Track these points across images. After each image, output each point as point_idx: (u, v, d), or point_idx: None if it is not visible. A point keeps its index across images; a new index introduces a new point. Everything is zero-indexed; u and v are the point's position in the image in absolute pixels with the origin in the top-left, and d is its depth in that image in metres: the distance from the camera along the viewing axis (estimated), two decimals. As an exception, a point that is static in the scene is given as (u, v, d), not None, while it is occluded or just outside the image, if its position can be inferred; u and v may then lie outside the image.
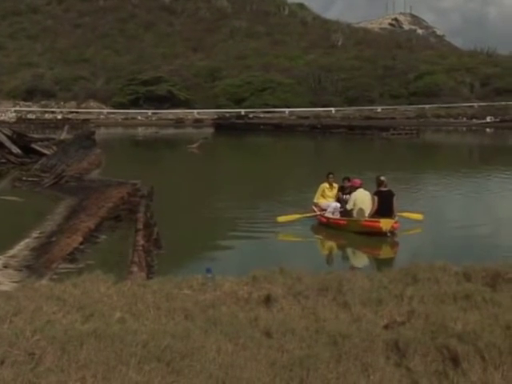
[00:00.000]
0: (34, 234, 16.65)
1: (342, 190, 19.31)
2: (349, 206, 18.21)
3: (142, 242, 14.43)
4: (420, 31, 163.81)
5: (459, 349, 6.27)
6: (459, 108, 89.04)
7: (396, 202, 17.74)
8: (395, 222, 17.37)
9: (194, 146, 49.40)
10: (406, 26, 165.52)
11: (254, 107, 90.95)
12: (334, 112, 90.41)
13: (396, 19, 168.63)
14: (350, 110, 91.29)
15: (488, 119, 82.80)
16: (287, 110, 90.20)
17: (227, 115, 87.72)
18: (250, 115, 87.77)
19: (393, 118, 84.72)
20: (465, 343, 6.40)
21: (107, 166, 33.72)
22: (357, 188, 18.39)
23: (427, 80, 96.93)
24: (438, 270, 9.69)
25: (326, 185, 19.64)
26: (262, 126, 76.19)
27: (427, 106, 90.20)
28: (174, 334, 6.69)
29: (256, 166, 40.44)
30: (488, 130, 78.03)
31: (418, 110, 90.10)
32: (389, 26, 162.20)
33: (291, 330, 6.94)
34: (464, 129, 79.57)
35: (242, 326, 7.08)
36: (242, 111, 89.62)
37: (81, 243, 15.22)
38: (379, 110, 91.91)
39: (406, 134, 65.36)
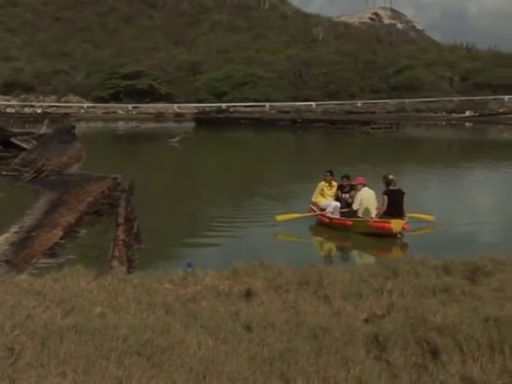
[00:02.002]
0: (14, 229, 16.55)
1: (340, 188, 18.66)
2: (355, 206, 17.52)
3: (122, 236, 14.41)
4: (400, 25, 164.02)
5: (438, 342, 6.32)
6: (439, 102, 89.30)
7: (406, 202, 17.05)
8: (406, 223, 16.68)
9: (175, 140, 49.31)
10: (386, 21, 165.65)
11: (234, 101, 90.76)
12: (314, 106, 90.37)
13: (376, 13, 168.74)
14: (331, 105, 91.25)
15: (467, 113, 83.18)
16: (268, 104, 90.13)
17: (208, 109, 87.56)
18: (231, 109, 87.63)
19: (373, 113, 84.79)
20: (444, 336, 6.45)
21: (87, 161, 33.57)
22: (356, 186, 17.85)
23: (407, 74, 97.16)
24: (417, 264, 9.75)
25: (325, 183, 18.89)
26: (242, 120, 75.99)
27: (407, 101, 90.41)
28: (155, 329, 6.70)
29: (237, 160, 40.48)
30: (467, 124, 78.38)
31: (399, 104, 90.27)
32: (369, 21, 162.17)
33: (272, 324, 6.96)
34: (444, 123, 79.87)
35: (222, 320, 7.10)
36: (223, 105, 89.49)
37: (61, 238, 15.18)
38: (360, 105, 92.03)
39: (386, 128, 65.56)
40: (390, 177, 17.26)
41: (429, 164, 36.57)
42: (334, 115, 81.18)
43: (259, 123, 73.09)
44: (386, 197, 16.89)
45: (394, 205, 16.77)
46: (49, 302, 7.63)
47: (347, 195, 18.36)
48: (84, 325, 6.65)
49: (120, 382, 5.47)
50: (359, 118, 73.72)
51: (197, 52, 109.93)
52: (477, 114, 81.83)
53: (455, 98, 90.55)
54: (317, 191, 18.91)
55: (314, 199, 18.85)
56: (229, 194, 25.41)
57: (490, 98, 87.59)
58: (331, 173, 19.01)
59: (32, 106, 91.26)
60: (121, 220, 16.12)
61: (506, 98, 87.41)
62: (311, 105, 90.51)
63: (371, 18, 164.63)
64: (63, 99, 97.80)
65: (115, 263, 11.94)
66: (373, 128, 64.56)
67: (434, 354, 6.23)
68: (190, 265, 9.74)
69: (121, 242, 13.75)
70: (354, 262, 15.45)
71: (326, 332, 6.72)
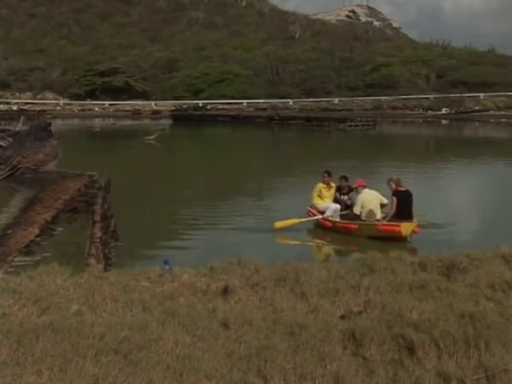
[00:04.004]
0: (-11, 227, 16.43)
1: (338, 190, 17.72)
2: (356, 210, 16.66)
3: (99, 233, 14.34)
4: (377, 23, 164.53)
5: (415, 338, 6.36)
6: (415, 100, 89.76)
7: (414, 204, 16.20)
8: (416, 226, 15.81)
9: (152, 137, 49.17)
10: (363, 18, 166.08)
11: (211, 98, 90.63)
12: (291, 103, 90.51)
13: (353, 11, 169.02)
14: (308, 102, 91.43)
15: (443, 111, 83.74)
16: (245, 101, 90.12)
17: (185, 106, 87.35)
18: (208, 106, 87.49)
19: (350, 110, 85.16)
20: (420, 332, 6.49)
21: (64, 158, 33.40)
22: (357, 189, 16.98)
23: (384, 72, 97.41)
24: (394, 260, 9.80)
25: (323, 184, 17.83)
26: (219, 118, 76.01)
27: (384, 98, 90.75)
28: (132, 326, 6.69)
29: (214, 158, 40.35)
30: (443, 121, 78.92)
31: (375, 101, 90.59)
32: (346, 18, 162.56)
33: (249, 321, 6.98)
34: (420, 120, 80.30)
35: (199, 318, 7.10)
36: (200, 102, 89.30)
37: (37, 236, 15.08)
38: (336, 102, 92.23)
39: (363, 125, 65.74)
40: (395, 178, 16.58)
41: (406, 160, 36.66)
42: (311, 112, 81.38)
43: (236, 120, 73.09)
44: (394, 198, 16.06)
45: (403, 207, 15.97)
46: (25, 300, 7.60)
47: (346, 197, 17.60)
48: (60, 323, 6.62)
49: (96, 379, 5.45)
50: (336, 116, 73.89)
51: (173, 49, 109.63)
52: (453, 112, 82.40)
53: (431, 96, 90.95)
54: (314, 193, 17.89)
55: (311, 201, 17.89)
56: (206, 191, 25.38)
57: (465, 95, 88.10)
58: (329, 174, 18.02)
59: (7, 103, 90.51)
60: (97, 217, 16.05)
61: (482, 95, 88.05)
62: (288, 102, 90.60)
63: (348, 16, 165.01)
64: (39, 96, 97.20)
65: (92, 261, 11.89)
66: (350, 125, 64.76)
67: (410, 349, 6.27)
68: (166, 262, 9.71)
69: (97, 240, 13.69)
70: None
71: (302, 329, 6.74)
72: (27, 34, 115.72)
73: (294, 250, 16.29)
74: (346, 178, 17.87)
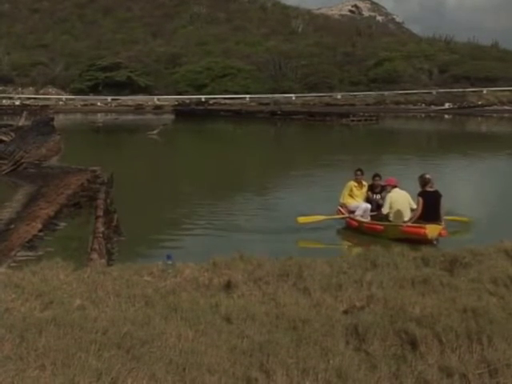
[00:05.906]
0: (-8, 222, 16.44)
1: (371, 188, 16.91)
2: (384, 210, 15.97)
3: (101, 228, 14.34)
4: (379, 18, 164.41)
5: (417, 332, 6.35)
6: (418, 94, 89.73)
7: (444, 205, 15.36)
8: (443, 229, 15.08)
9: (154, 132, 49.17)
10: (366, 13, 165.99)
11: (214, 93, 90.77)
12: (294, 98, 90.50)
13: (356, 6, 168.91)
14: (310, 97, 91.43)
15: (446, 106, 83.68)
16: (247, 96, 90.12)
17: (187, 101, 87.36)
18: (211, 101, 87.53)
19: (352, 105, 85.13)
20: (423, 327, 6.49)
21: (66, 153, 33.42)
22: (388, 187, 16.31)
23: (386, 67, 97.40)
24: (396, 255, 9.79)
25: (354, 183, 17.06)
26: (222, 113, 76.12)
27: (386, 93, 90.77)
28: (134, 321, 6.69)
29: (217, 153, 40.33)
30: (446, 116, 78.85)
31: (378, 96, 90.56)
32: (348, 13, 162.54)
33: (251, 316, 6.98)
34: (423, 115, 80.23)
35: (202, 312, 7.10)
36: (203, 97, 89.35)
37: (40, 230, 15.09)
38: (339, 97, 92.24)
39: (366, 120, 65.63)
40: (427, 176, 15.51)
41: (408, 154, 36.61)
42: (314, 107, 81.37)
43: (239, 115, 73.12)
44: (420, 199, 15.26)
45: (430, 208, 15.17)
46: (28, 294, 7.60)
47: (378, 196, 16.80)
48: (63, 317, 6.63)
49: (99, 374, 5.45)
50: (338, 111, 73.85)
51: (176, 44, 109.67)
52: (455, 107, 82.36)
53: (434, 91, 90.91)
54: (345, 191, 17.08)
55: (342, 200, 17.05)
56: (208, 186, 25.38)
57: (468, 90, 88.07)
58: (362, 171, 17.18)
59: (10, 98, 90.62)
60: (100, 212, 16.04)
61: (485, 90, 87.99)
62: (291, 97, 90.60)
63: (351, 11, 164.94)
64: (42, 91, 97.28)
65: (94, 256, 11.89)
66: (352, 120, 64.67)
67: (413, 344, 6.27)
68: (169, 257, 9.73)
69: (100, 235, 13.69)
70: None
71: (305, 323, 6.74)
72: (30, 29, 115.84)
73: (297, 245, 16.14)
74: (379, 176, 17.05)
